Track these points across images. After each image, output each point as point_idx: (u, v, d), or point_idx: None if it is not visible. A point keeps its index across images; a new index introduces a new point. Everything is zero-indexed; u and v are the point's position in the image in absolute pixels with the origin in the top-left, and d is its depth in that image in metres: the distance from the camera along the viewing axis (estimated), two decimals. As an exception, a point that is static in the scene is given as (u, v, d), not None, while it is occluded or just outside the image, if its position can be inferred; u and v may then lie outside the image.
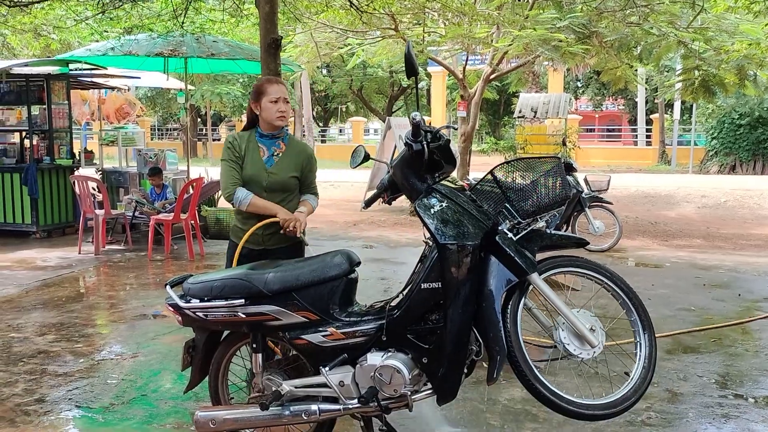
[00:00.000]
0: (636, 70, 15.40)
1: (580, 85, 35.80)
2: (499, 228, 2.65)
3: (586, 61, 12.48)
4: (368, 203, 3.17)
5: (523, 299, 2.62)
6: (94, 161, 10.17)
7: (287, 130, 3.46)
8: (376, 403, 2.68)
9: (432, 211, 2.63)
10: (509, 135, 11.77)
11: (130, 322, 5.35)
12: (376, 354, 2.71)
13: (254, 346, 2.91)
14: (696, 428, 3.44)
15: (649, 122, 27.77)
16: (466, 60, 12.35)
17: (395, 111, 36.26)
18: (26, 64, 8.68)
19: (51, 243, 8.66)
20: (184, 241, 8.05)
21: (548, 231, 2.73)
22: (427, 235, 2.70)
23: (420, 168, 2.72)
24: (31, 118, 8.89)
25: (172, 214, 7.84)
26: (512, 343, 2.52)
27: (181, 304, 2.90)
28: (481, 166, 17.62)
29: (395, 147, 12.76)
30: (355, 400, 2.72)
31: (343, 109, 39.84)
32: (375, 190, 3.10)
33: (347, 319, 2.78)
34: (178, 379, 4.07)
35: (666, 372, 4.14)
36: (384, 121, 33.72)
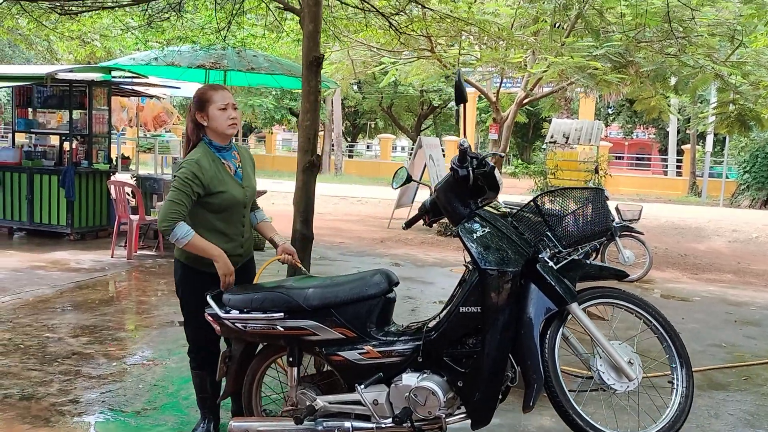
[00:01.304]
0: (670, 100, 15.32)
1: (611, 112, 35.62)
2: (540, 256, 2.67)
3: (619, 90, 12.48)
4: (409, 224, 3.22)
5: (561, 328, 2.63)
6: (130, 167, 10.36)
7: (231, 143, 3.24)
8: (409, 424, 2.71)
9: (474, 236, 2.68)
10: (538, 159, 11.78)
11: (161, 328, 5.44)
12: (411, 375, 2.75)
13: (290, 359, 2.96)
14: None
15: (680, 152, 27.51)
16: (500, 83, 12.41)
17: (424, 129, 36.41)
18: (71, 70, 8.91)
19: (84, 245, 8.83)
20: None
21: (588, 261, 2.75)
22: (468, 258, 2.74)
23: (464, 193, 2.77)
24: (72, 122, 9.11)
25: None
26: (550, 372, 2.55)
27: (221, 314, 2.96)
28: (510, 188, 17.60)
29: (425, 166, 12.83)
30: (389, 420, 2.76)
31: (372, 126, 40.10)
32: (415, 211, 3.14)
33: (384, 338, 2.83)
34: (209, 388, 4.13)
35: (697, 408, 4.09)
36: (412, 140, 33.89)
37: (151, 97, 11.23)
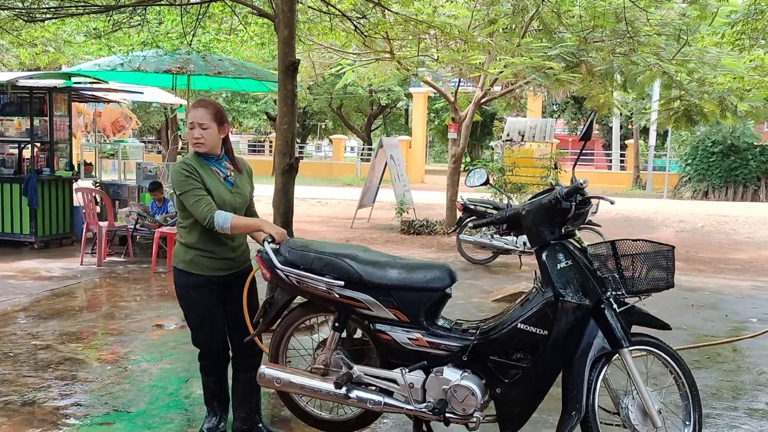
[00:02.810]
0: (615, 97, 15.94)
1: (556, 110, 36.59)
2: (605, 297, 2.85)
3: (569, 88, 12.94)
4: (476, 226, 3.34)
5: (607, 366, 2.84)
6: (93, 174, 10.24)
7: (223, 153, 3.34)
8: (441, 415, 2.89)
9: (558, 265, 2.83)
10: (486, 156, 12.18)
11: (148, 331, 5.49)
12: (453, 370, 2.89)
13: (337, 324, 3.07)
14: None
15: (623, 147, 28.53)
16: (458, 83, 12.72)
17: (374, 129, 36.64)
18: (31, 77, 8.78)
19: (50, 254, 8.71)
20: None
21: (644, 310, 2.92)
22: (538, 277, 2.91)
23: (554, 220, 2.91)
24: (33, 130, 8.96)
25: (176, 227, 7.97)
26: (590, 407, 2.76)
27: (278, 264, 3.03)
28: (463, 185, 17.92)
29: (385, 166, 13.04)
30: (422, 405, 2.91)
31: (322, 127, 40.09)
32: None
33: (434, 329, 2.96)
34: (209, 386, 4.24)
35: (666, 385, 4.42)
36: (362, 140, 34.01)
37: (110, 102, 11.10)
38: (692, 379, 2.96)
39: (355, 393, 3.02)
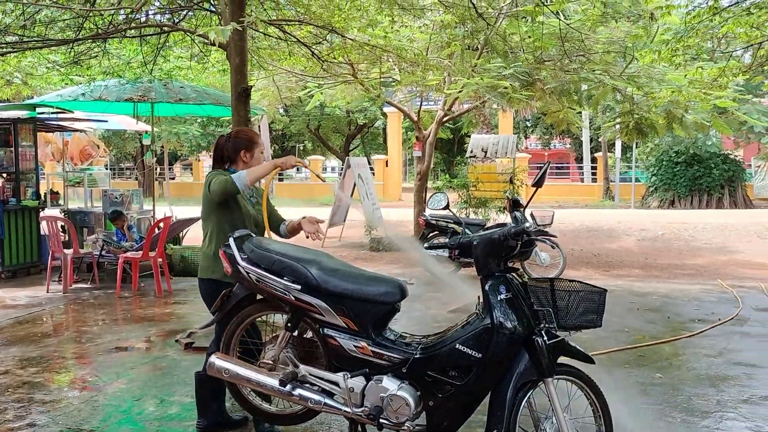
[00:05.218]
0: (580, 113, 16.38)
1: (529, 125, 37.22)
2: (538, 329, 3.07)
3: (531, 105, 13.34)
4: (432, 248, 3.61)
5: (531, 392, 3.08)
6: (59, 202, 10.38)
7: None
8: (376, 420, 3.11)
9: (499, 297, 3.06)
10: (462, 173, 12.47)
11: (107, 354, 5.64)
12: (392, 380, 3.10)
13: (289, 325, 3.28)
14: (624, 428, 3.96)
15: (594, 160, 29.09)
16: (420, 104, 13.05)
17: (352, 149, 36.96)
18: (-5, 109, 8.95)
19: (17, 282, 8.82)
20: (150, 279, 8.35)
21: (571, 344, 3.13)
22: (480, 302, 3.14)
23: (500, 254, 3.14)
24: (-2, 160, 9.11)
25: (140, 252, 8.14)
26: (511, 427, 2.99)
27: (240, 260, 3.26)
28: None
29: (354, 186, 13.29)
30: (360, 409, 3.13)
31: (301, 148, 40.38)
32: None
33: (380, 340, 3.17)
34: (161, 404, 4.42)
35: (600, 384, 4.66)
36: (341, 159, 34.29)
37: (76, 130, 11.27)
38: (605, 403, 3.19)
39: (299, 391, 3.22)
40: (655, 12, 8.54)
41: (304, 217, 3.84)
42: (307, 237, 3.78)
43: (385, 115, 28.34)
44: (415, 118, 12.59)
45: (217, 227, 3.70)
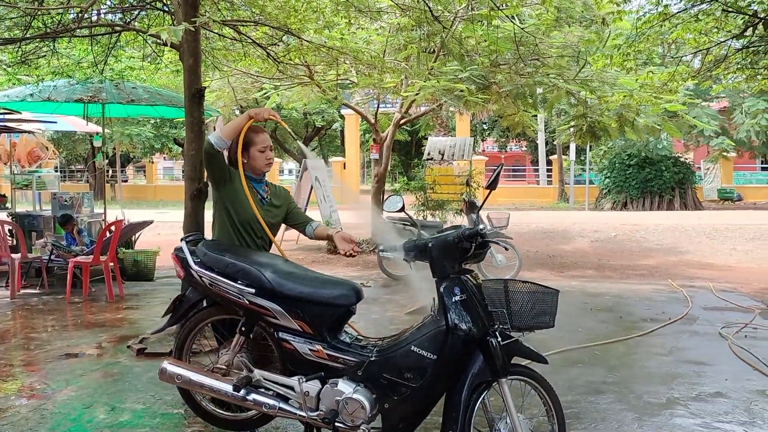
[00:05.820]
0: (535, 116, 16.66)
1: (486, 128, 37.64)
2: (492, 330, 3.07)
3: (487, 108, 13.50)
4: (386, 249, 3.59)
5: (485, 393, 3.09)
6: (7, 205, 10.06)
7: (264, 177, 3.74)
8: (331, 424, 3.08)
9: (453, 298, 3.04)
10: (420, 175, 12.53)
11: (56, 361, 5.48)
12: (348, 383, 3.07)
13: (243, 329, 3.23)
14: (578, 425, 4.03)
15: (549, 163, 29.60)
16: (378, 106, 13.06)
17: (311, 150, 36.80)
18: (-63, 110, 8.62)
19: (-39, 288, 8.51)
20: (102, 284, 8.15)
21: (525, 345, 3.13)
22: (436, 305, 3.12)
23: (455, 256, 3.11)
24: (-59, 163, 8.78)
25: (91, 256, 7.94)
26: (465, 427, 3.00)
27: (192, 264, 3.19)
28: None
29: (311, 188, 13.23)
30: (315, 413, 3.09)
31: (257, 150, 39.94)
32: (398, 247, 3.29)
33: (335, 343, 3.13)
34: (112, 411, 4.31)
35: (555, 382, 4.70)
36: (298, 162, 34.08)
37: (24, 132, 10.93)
38: (558, 403, 3.22)
39: (253, 396, 3.18)
40: (607, 17, 8.76)
41: (338, 232, 3.66)
42: (344, 254, 3.60)
43: (342, 117, 28.32)
44: (373, 121, 12.61)
45: (220, 230, 3.59)
